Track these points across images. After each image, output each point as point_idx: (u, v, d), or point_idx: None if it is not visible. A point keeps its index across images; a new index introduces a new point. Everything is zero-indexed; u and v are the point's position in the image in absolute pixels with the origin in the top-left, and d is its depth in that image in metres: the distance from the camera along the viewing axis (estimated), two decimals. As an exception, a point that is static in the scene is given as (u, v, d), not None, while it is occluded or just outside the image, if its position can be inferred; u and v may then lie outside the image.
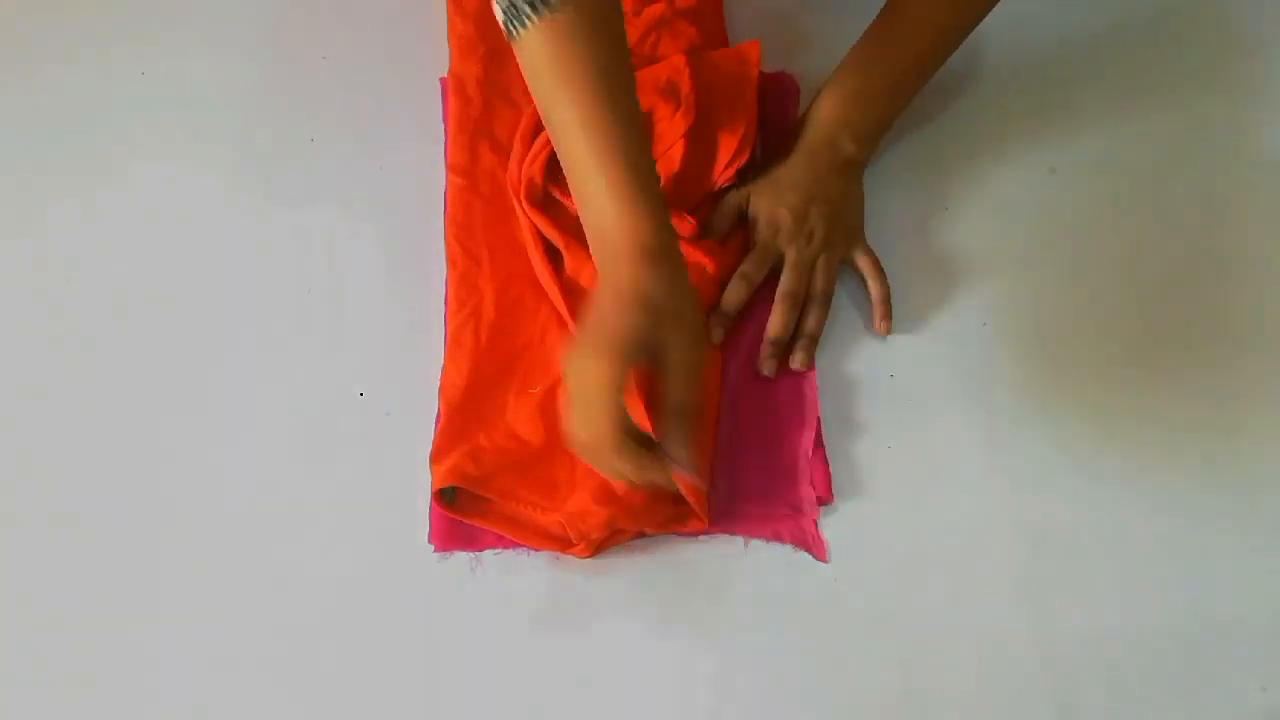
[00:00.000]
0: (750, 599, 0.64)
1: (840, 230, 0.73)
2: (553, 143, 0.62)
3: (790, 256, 0.72)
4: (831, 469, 0.67)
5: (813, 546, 0.65)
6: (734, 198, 0.74)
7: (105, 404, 0.68)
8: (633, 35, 0.78)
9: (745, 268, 0.71)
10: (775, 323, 0.70)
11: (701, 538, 0.66)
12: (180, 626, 0.62)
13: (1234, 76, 0.84)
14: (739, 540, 0.66)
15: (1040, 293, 0.74)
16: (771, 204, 0.72)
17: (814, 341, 0.71)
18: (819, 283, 0.72)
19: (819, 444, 0.68)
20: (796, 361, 0.70)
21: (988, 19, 0.74)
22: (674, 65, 0.75)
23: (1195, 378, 0.72)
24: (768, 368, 0.70)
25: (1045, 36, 0.84)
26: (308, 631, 0.62)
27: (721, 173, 0.73)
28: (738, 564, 0.65)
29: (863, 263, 0.73)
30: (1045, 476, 0.68)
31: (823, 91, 0.75)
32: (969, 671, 0.63)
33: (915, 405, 0.70)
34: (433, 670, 0.62)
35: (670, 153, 0.72)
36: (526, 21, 0.59)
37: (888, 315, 0.71)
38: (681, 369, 0.59)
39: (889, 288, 0.72)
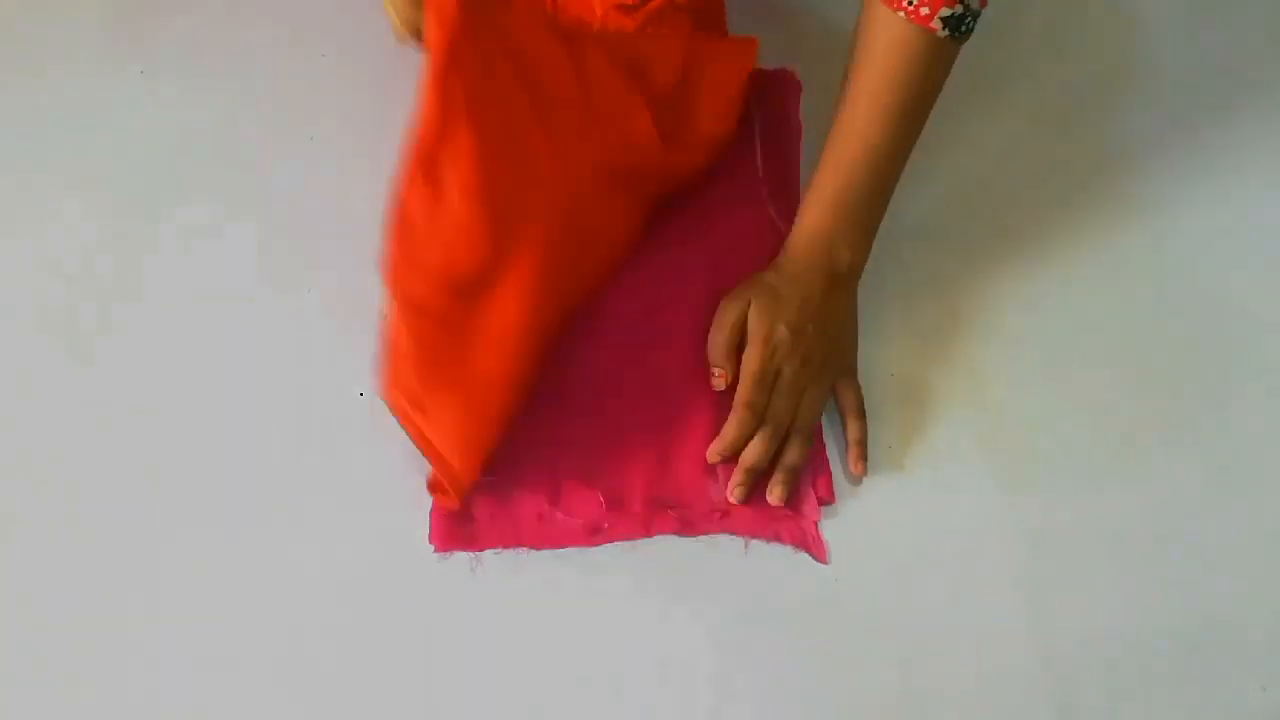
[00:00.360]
0: (750, 599, 0.64)
1: (836, 355, 0.69)
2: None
3: (783, 380, 0.67)
4: (831, 469, 0.68)
5: (813, 546, 0.65)
6: (732, 311, 0.68)
7: (105, 404, 0.68)
8: (632, 27, 0.78)
9: (749, 396, 0.66)
10: (754, 451, 0.65)
11: (701, 538, 0.66)
12: (180, 626, 0.62)
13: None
14: (739, 540, 0.66)
15: (1040, 292, 0.75)
16: (771, 319, 0.67)
17: (795, 475, 0.66)
18: (805, 414, 0.67)
19: (819, 444, 0.68)
20: (775, 496, 0.65)
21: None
22: (666, 46, 0.75)
23: (1195, 376, 0.72)
24: (737, 495, 0.65)
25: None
26: (308, 631, 0.62)
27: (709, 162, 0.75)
28: (738, 564, 0.65)
29: (846, 399, 0.69)
30: (1045, 476, 0.68)
31: (805, 202, 0.70)
32: (969, 671, 0.63)
33: (915, 405, 0.70)
34: (433, 670, 0.62)
35: (631, 121, 0.70)
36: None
37: (863, 457, 0.67)
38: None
39: (867, 428, 0.68)
